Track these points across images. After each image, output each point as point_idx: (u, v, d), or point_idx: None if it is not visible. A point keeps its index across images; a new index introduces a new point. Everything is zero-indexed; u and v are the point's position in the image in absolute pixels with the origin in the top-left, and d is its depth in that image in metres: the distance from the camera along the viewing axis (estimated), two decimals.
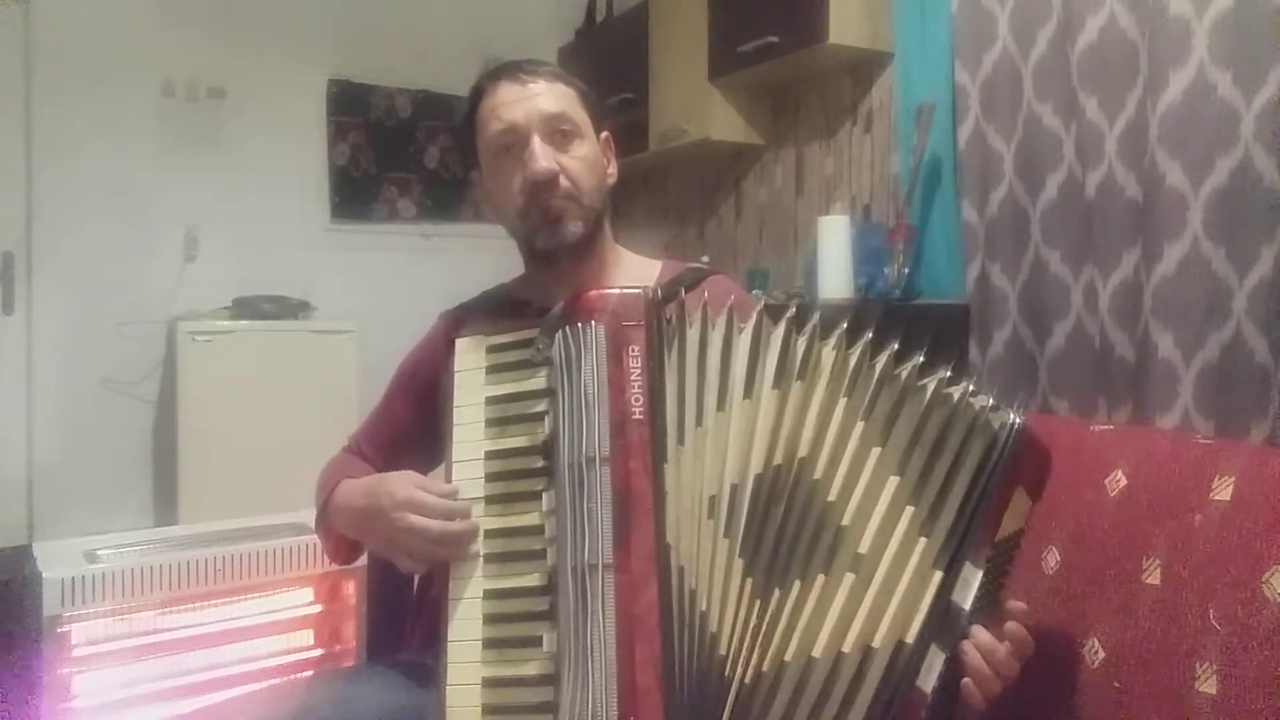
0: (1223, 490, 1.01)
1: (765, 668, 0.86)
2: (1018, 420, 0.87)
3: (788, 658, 0.85)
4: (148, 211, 3.09)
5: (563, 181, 1.08)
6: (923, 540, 0.85)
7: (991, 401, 0.89)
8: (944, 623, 0.84)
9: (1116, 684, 1.03)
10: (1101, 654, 1.05)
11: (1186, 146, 1.49)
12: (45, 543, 1.80)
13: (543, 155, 1.07)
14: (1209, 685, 0.94)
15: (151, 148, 3.10)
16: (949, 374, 0.90)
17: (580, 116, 1.12)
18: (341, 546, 1.14)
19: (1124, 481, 1.11)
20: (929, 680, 0.83)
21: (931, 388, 0.89)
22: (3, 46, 2.89)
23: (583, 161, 1.10)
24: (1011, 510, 0.87)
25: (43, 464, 2.96)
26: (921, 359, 0.91)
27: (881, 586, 0.85)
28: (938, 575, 0.85)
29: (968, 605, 0.84)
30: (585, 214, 1.10)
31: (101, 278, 3.03)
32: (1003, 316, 1.91)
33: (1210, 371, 1.48)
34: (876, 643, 0.84)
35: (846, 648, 0.85)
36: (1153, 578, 1.03)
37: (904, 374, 0.90)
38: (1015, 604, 0.89)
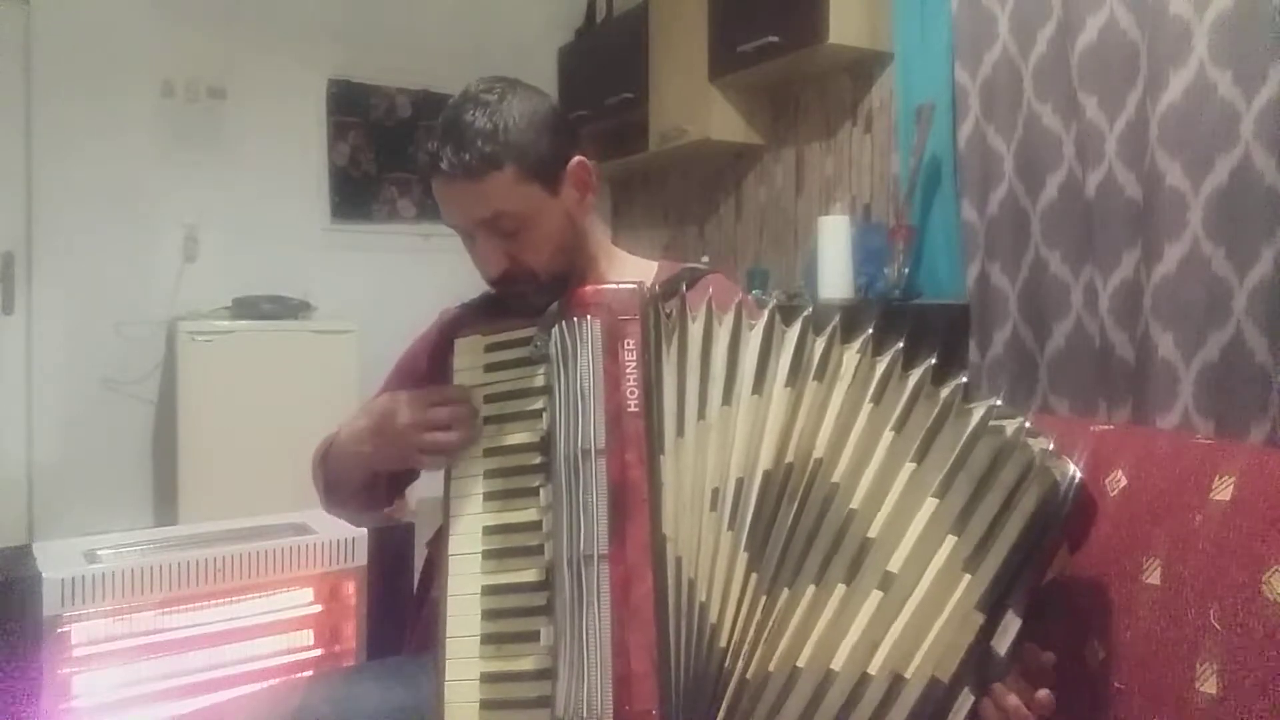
0: (1223, 490, 1.01)
1: (773, 668, 0.85)
2: (1078, 474, 0.84)
3: (800, 663, 0.84)
4: (148, 211, 3.10)
5: (514, 272, 1.04)
6: (966, 577, 0.83)
7: (1051, 446, 0.86)
8: (980, 667, 0.82)
9: (1116, 684, 1.03)
10: (1101, 654, 1.05)
11: (1186, 146, 1.49)
12: (45, 543, 1.80)
13: (487, 260, 1.03)
14: (1209, 685, 0.94)
15: (151, 148, 3.11)
16: (998, 402, 0.88)
17: (521, 199, 1.01)
18: (341, 483, 1.15)
19: (1124, 481, 1.11)
20: None
21: (979, 414, 0.86)
22: (3, 46, 2.89)
23: (533, 246, 1.04)
24: (1054, 561, 0.85)
25: (43, 464, 2.96)
26: (964, 379, 0.88)
27: (916, 614, 0.83)
28: (980, 618, 0.83)
29: (1004, 652, 0.82)
30: (548, 283, 1.05)
31: (101, 278, 3.03)
32: (1003, 316, 1.91)
33: (1210, 371, 1.48)
34: (909, 673, 0.82)
35: (873, 669, 0.83)
36: (1153, 578, 1.03)
37: (944, 392, 0.88)
38: (1047, 655, 0.87)
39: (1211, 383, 1.48)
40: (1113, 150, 1.65)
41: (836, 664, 0.84)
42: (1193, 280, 1.49)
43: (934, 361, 0.90)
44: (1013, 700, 0.82)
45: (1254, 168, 1.42)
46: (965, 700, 0.82)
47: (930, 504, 0.85)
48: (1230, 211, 1.45)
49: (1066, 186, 1.77)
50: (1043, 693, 0.84)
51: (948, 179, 2.17)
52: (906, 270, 2.20)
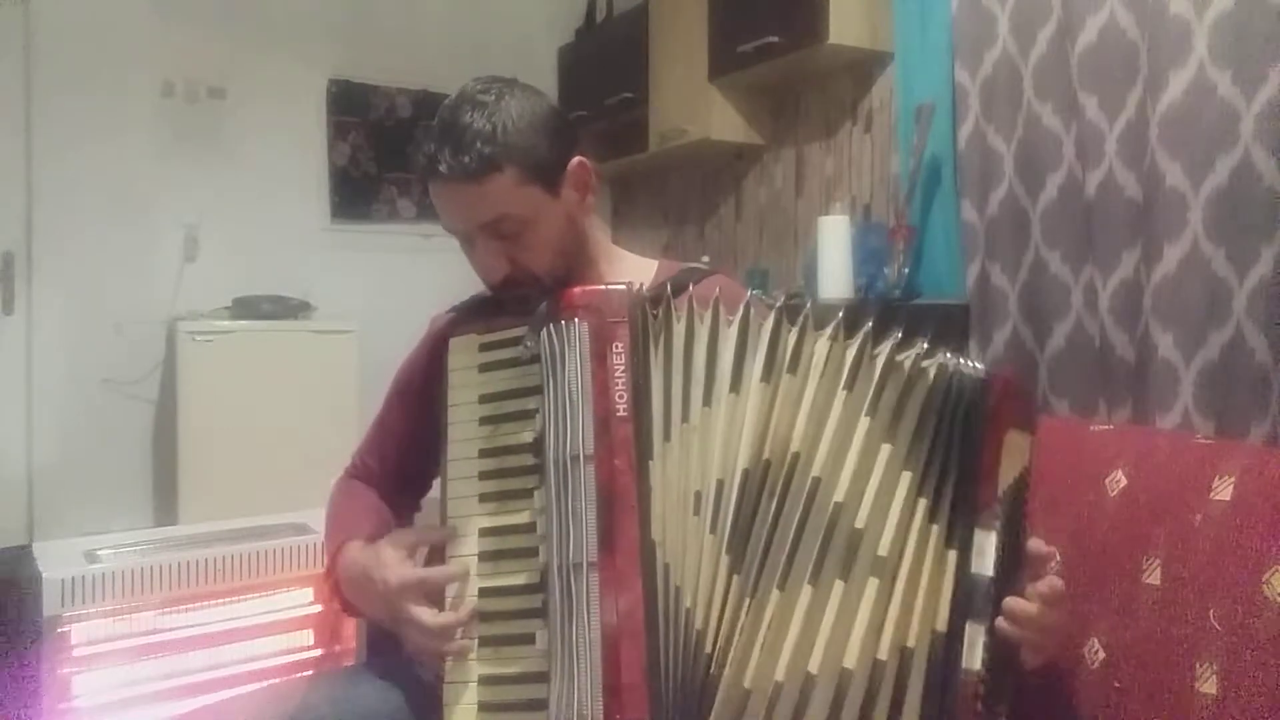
0: (1223, 490, 1.01)
1: (782, 676, 0.84)
2: (979, 374, 0.86)
3: (813, 669, 0.84)
4: (148, 211, 3.09)
5: (516, 275, 1.03)
6: (935, 527, 0.85)
7: (962, 363, 0.88)
8: (972, 598, 0.83)
9: (1116, 684, 1.03)
10: (1101, 654, 1.05)
11: (1186, 146, 1.49)
12: (45, 543, 1.80)
13: (488, 265, 1.02)
14: (1209, 685, 0.94)
15: (151, 148, 3.10)
16: (949, 355, 0.89)
17: (522, 201, 0.99)
18: (353, 608, 1.11)
19: (1124, 481, 1.11)
20: (975, 658, 0.82)
21: (933, 373, 0.88)
22: (3, 46, 2.89)
23: (534, 249, 1.02)
24: (1009, 455, 0.85)
25: (43, 464, 2.95)
26: (925, 344, 0.89)
27: (907, 585, 0.84)
28: (952, 555, 0.84)
29: (990, 571, 0.84)
30: (551, 284, 1.03)
31: (101, 278, 3.03)
32: (1003, 316, 1.91)
33: (1210, 371, 1.48)
34: (911, 642, 0.83)
35: (882, 654, 0.83)
36: (1153, 578, 1.03)
37: (907, 361, 0.88)
38: (1037, 547, 0.87)
39: (1211, 383, 1.48)
40: (1113, 150, 1.65)
41: (849, 661, 0.84)
42: (1193, 280, 1.49)
43: (899, 336, 0.90)
44: (1014, 605, 0.83)
45: (1254, 168, 1.42)
46: (976, 634, 0.83)
47: (906, 478, 0.86)
48: (1230, 211, 1.45)
49: (1066, 186, 1.77)
50: (1041, 583, 0.85)
51: (948, 179, 2.17)
52: (906, 270, 2.20)
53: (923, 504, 0.85)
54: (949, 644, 0.83)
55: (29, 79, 2.93)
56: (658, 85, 3.09)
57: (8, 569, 1.54)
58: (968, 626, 0.83)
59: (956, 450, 0.86)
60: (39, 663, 1.48)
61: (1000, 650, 0.83)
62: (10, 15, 2.90)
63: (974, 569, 0.84)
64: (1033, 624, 0.83)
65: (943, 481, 0.86)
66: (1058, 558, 0.89)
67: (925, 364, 0.89)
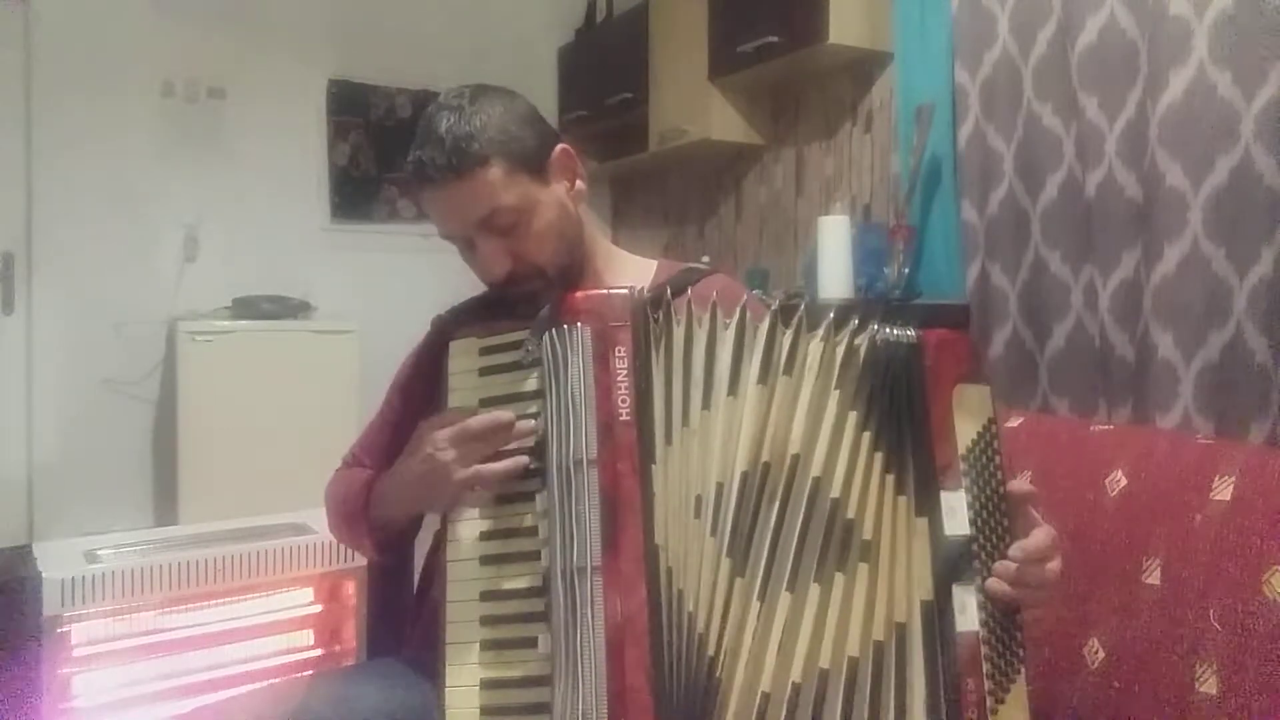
0: (1223, 490, 1.01)
1: (799, 677, 0.84)
2: (912, 336, 0.87)
3: (824, 664, 0.84)
4: (147, 211, 3.09)
5: (520, 270, 1.03)
6: (903, 499, 0.86)
7: (894, 330, 0.88)
8: (954, 560, 0.84)
9: (1116, 684, 1.03)
10: (1101, 654, 1.05)
11: (1186, 146, 1.49)
12: (45, 543, 1.80)
13: (492, 262, 1.02)
14: (1209, 685, 0.94)
15: (151, 148, 3.11)
16: (899, 331, 0.89)
17: (514, 192, 1.01)
18: (388, 538, 1.11)
19: (1124, 481, 1.11)
20: (970, 620, 0.83)
21: (869, 342, 0.89)
22: (3, 46, 2.89)
23: (535, 240, 1.03)
24: (965, 410, 0.86)
25: (43, 464, 2.96)
26: (897, 328, 0.90)
27: (892, 562, 0.85)
28: (922, 522, 0.85)
29: (966, 530, 0.84)
30: (554, 277, 1.04)
31: (101, 278, 3.03)
32: (1003, 316, 1.91)
33: (1210, 371, 1.48)
34: (903, 616, 0.84)
35: (879, 635, 0.84)
36: (1153, 578, 1.03)
37: (880, 347, 0.89)
38: (1018, 487, 0.87)
39: (1211, 383, 1.48)
40: (1113, 150, 1.65)
41: (853, 649, 0.84)
42: (1193, 280, 1.49)
43: (875, 326, 0.90)
44: (999, 567, 0.84)
45: (1254, 168, 1.42)
46: (965, 595, 0.83)
47: (878, 459, 0.87)
48: (1230, 211, 1.45)
49: (1066, 186, 1.77)
50: (1014, 548, 0.85)
51: (948, 179, 2.17)
52: (906, 270, 2.20)
53: (890, 479, 0.87)
54: (939, 610, 0.83)
55: (29, 79, 2.93)
56: (658, 85, 3.09)
57: (8, 569, 1.54)
58: (954, 589, 0.83)
59: (906, 416, 0.86)
60: (39, 663, 1.48)
61: (997, 608, 0.83)
62: (10, 15, 2.90)
63: (948, 531, 0.84)
64: (1018, 582, 0.84)
65: (902, 451, 0.86)
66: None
67: (893, 342, 0.90)
